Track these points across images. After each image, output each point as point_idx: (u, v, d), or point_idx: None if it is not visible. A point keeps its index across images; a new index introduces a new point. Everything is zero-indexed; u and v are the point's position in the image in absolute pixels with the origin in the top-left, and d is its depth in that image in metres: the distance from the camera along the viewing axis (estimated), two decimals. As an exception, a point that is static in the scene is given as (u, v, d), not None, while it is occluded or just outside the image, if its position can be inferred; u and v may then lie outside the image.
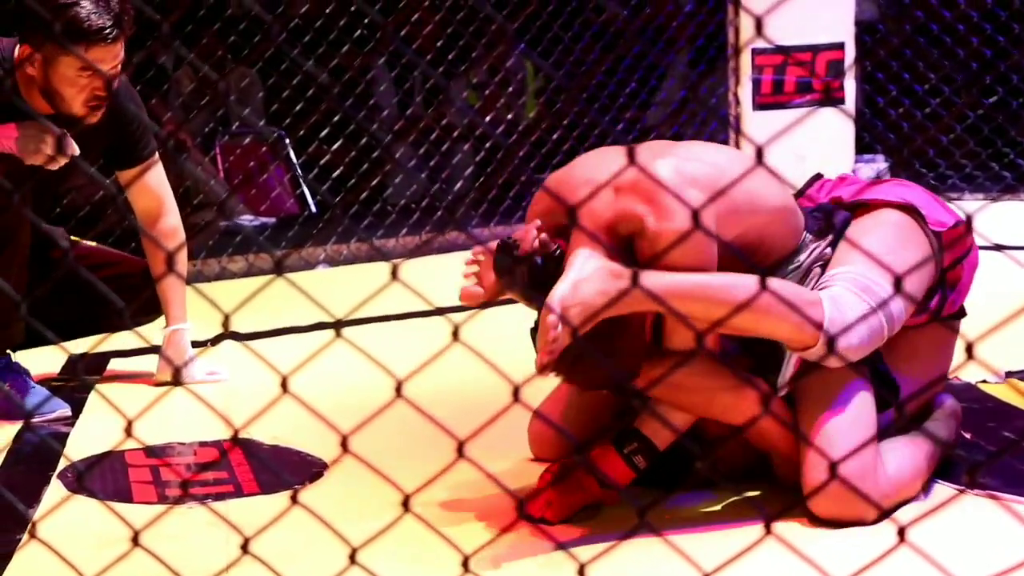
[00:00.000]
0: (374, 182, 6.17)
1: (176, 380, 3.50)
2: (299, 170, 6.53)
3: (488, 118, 6.46)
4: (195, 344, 3.61)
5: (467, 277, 2.50)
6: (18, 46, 3.18)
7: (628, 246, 2.29)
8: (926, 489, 2.50)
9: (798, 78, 5.79)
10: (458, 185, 6.41)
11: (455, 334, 1.32)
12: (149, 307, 3.50)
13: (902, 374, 2.53)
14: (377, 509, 2.42)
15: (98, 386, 3.52)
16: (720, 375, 2.37)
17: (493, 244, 2.40)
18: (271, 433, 2.98)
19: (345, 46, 5.80)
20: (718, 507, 2.49)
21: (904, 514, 2.38)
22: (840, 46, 5.78)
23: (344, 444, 1.41)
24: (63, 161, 3.08)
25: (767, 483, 2.52)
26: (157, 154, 3.48)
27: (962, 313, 2.60)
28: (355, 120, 5.91)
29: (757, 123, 5.78)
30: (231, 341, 3.85)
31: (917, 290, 2.47)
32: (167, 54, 6.32)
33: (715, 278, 2.26)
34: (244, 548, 1.51)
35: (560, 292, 2.21)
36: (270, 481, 2.71)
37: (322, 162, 5.87)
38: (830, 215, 2.54)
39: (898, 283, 2.40)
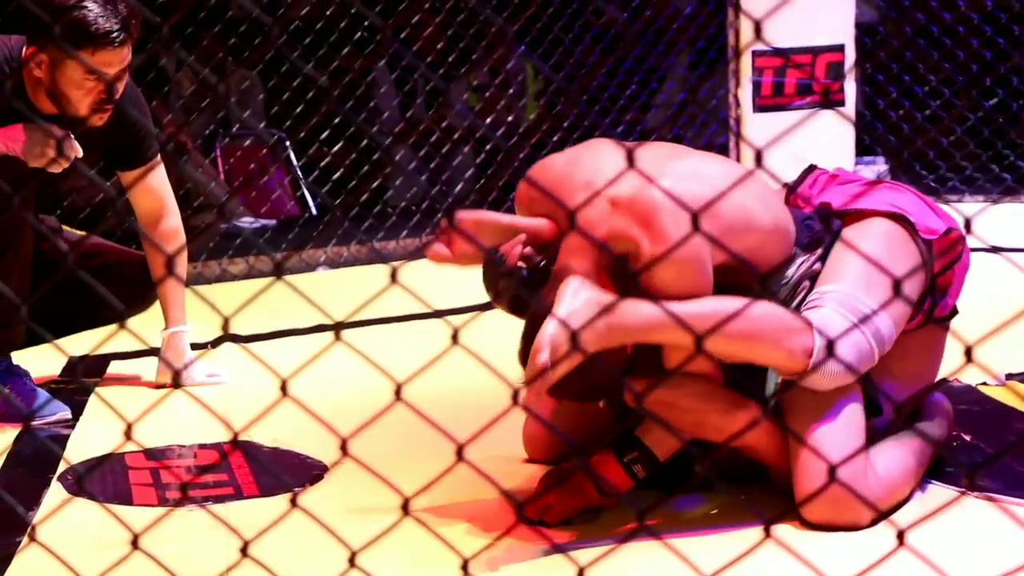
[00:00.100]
0: (374, 184, 6.17)
1: (176, 382, 3.50)
2: (299, 172, 6.53)
3: (488, 120, 6.46)
4: (195, 347, 3.61)
5: (439, 240, 2.46)
6: (25, 46, 3.17)
7: (620, 258, 2.29)
8: (922, 487, 2.51)
9: (798, 80, 5.79)
10: (458, 187, 6.41)
11: (455, 337, 1.32)
12: (141, 297, 3.46)
13: (895, 375, 2.53)
14: (377, 512, 2.42)
15: (98, 389, 3.52)
16: (712, 397, 2.38)
17: (466, 214, 2.39)
18: (271, 435, 2.98)
19: (345, 48, 5.81)
20: (717, 510, 2.49)
21: (904, 517, 2.38)
22: (840, 48, 5.78)
23: (343, 447, 1.41)
24: (65, 164, 3.07)
25: (766, 485, 2.52)
26: (159, 156, 3.47)
27: (954, 313, 2.60)
28: (355, 123, 5.91)
29: (757, 125, 5.78)
30: (231, 343, 3.85)
31: (907, 304, 2.47)
32: (168, 56, 6.32)
33: (705, 307, 2.24)
34: (244, 551, 1.52)
35: (549, 331, 2.18)
36: (270, 483, 2.71)
37: (322, 164, 5.87)
38: (821, 223, 2.52)
39: (893, 291, 2.40)
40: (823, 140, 5.64)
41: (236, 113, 6.62)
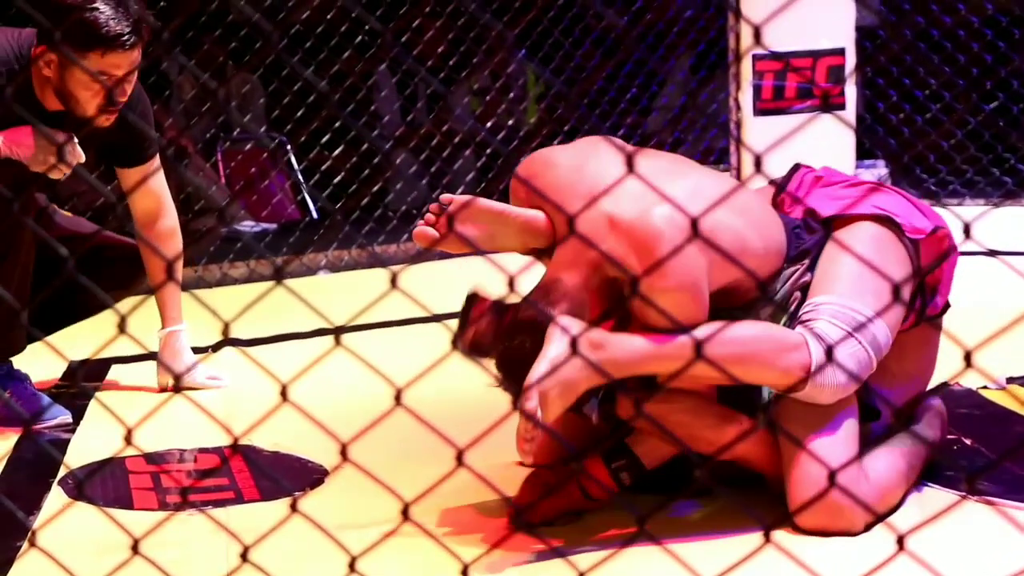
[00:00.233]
0: (375, 188, 6.17)
1: (176, 382, 3.49)
2: (300, 176, 6.53)
3: (489, 124, 6.46)
4: (196, 351, 3.60)
5: (426, 223, 2.44)
6: (35, 41, 3.16)
7: (612, 281, 2.29)
8: (920, 491, 2.50)
9: (799, 84, 5.79)
10: (459, 191, 6.40)
11: (455, 342, 1.32)
12: (131, 279, 3.46)
13: (891, 374, 2.53)
14: (377, 517, 2.42)
15: (98, 393, 3.52)
16: (704, 412, 2.38)
17: (457, 198, 2.38)
18: (272, 439, 2.98)
19: (346, 52, 5.81)
20: (716, 514, 2.49)
21: (903, 521, 2.38)
22: (841, 52, 5.78)
23: (343, 452, 1.41)
24: (67, 170, 3.07)
25: (765, 490, 2.52)
26: (158, 156, 3.47)
27: (946, 309, 2.60)
28: (356, 127, 5.91)
29: (758, 129, 5.78)
30: (232, 347, 3.85)
31: (900, 308, 2.46)
32: (169, 60, 6.32)
33: (696, 336, 2.24)
34: (244, 556, 1.52)
35: (538, 374, 2.17)
36: (271, 488, 2.71)
37: (323, 168, 5.88)
38: (808, 232, 2.51)
39: (892, 296, 2.39)
40: (823, 144, 5.63)
41: (237, 117, 6.62)
